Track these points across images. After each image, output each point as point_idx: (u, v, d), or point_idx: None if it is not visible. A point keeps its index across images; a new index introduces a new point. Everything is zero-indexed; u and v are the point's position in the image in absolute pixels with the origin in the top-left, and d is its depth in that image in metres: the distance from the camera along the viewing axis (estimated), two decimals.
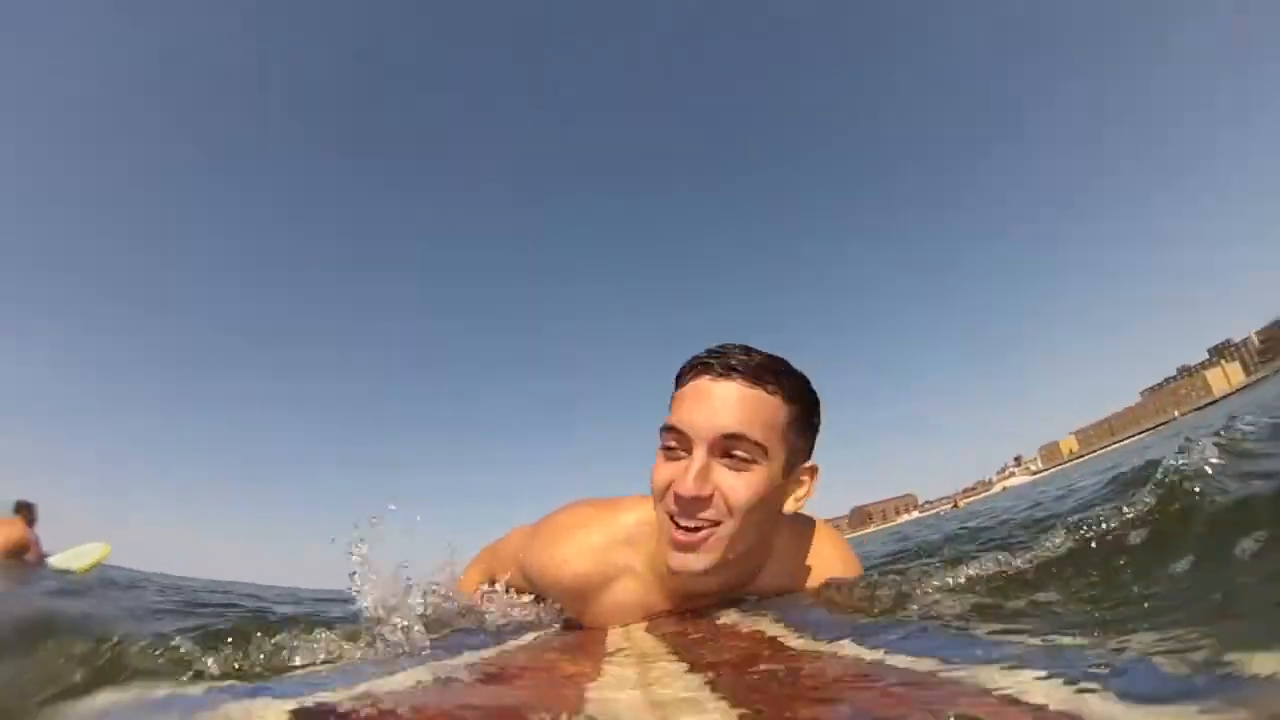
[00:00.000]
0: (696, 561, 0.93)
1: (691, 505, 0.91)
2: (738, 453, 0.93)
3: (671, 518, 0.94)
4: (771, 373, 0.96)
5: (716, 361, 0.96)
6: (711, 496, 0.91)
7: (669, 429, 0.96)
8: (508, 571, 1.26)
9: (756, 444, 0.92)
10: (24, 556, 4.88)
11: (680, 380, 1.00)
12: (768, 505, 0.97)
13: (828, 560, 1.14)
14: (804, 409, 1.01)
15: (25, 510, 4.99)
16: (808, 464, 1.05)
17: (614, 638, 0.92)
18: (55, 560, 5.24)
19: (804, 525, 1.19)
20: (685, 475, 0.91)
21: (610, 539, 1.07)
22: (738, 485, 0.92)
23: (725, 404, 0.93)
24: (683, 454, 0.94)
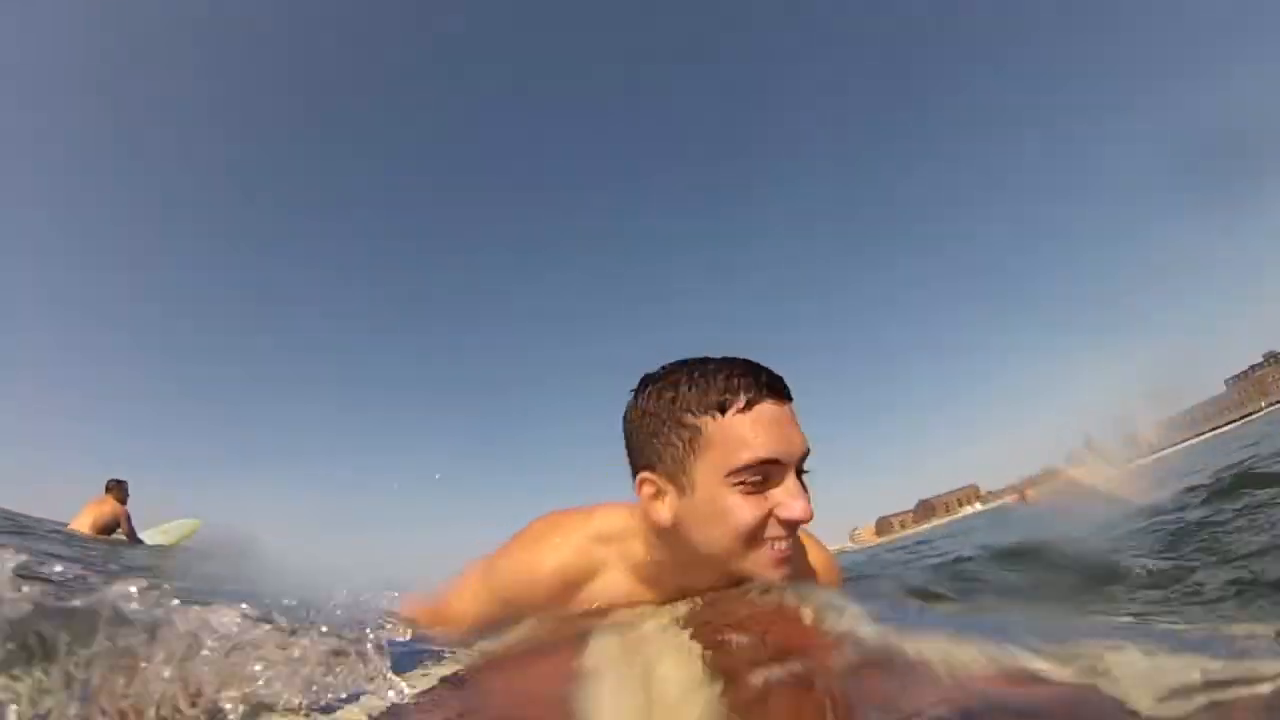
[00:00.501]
0: (780, 572, 0.94)
1: (791, 529, 0.93)
2: (806, 470, 0.96)
3: (766, 541, 0.93)
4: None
5: (771, 382, 0.96)
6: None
7: (764, 462, 0.91)
8: (475, 605, 1.09)
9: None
10: (116, 533, 5.29)
11: (726, 406, 0.93)
12: None
13: (812, 558, 1.13)
14: None
15: (116, 488, 5.38)
16: None
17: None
18: (147, 536, 5.66)
19: None
20: (796, 500, 0.92)
21: (586, 537, 1.06)
22: (809, 502, 0.94)
23: (795, 426, 0.95)
24: (759, 481, 0.91)
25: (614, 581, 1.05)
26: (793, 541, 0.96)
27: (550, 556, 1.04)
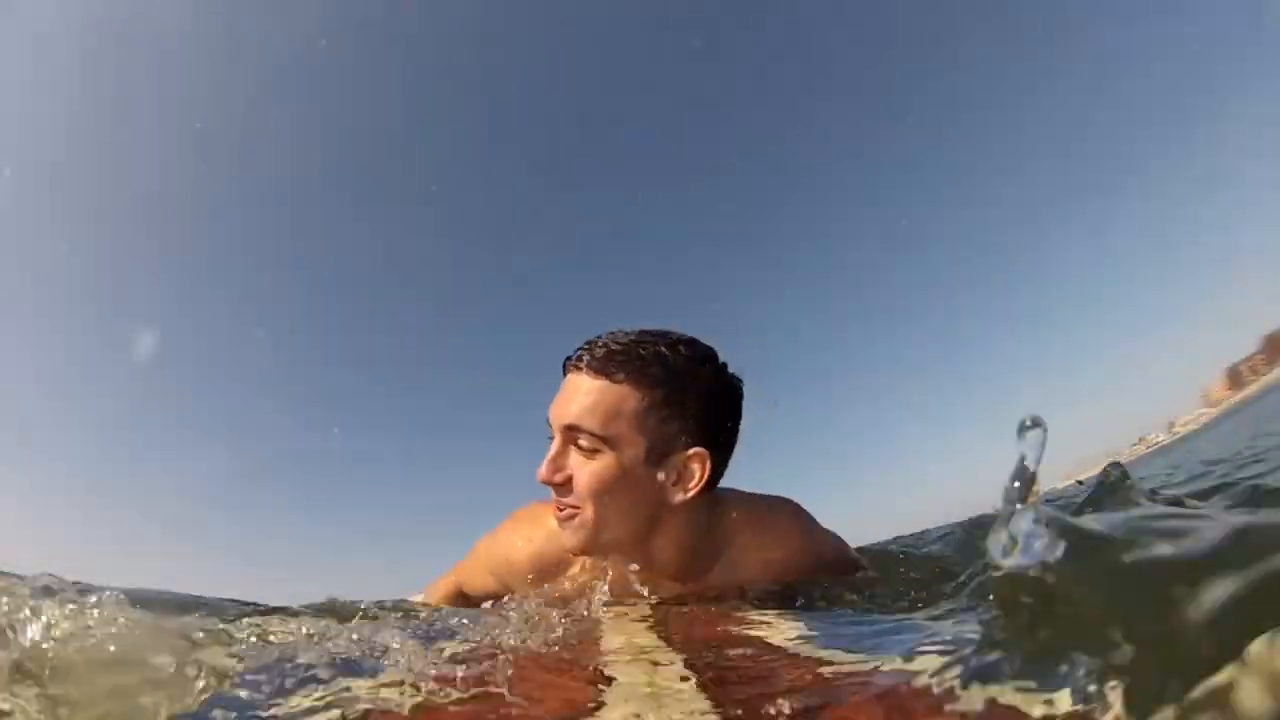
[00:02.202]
0: (568, 538, 1.03)
1: (555, 491, 1.03)
2: (581, 443, 1.00)
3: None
4: (622, 361, 1.00)
5: (576, 353, 1.04)
6: (568, 482, 1.01)
7: (547, 421, 1.05)
8: (477, 577, 1.29)
9: (596, 435, 0.99)
10: None
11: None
12: (632, 494, 1.01)
13: (794, 550, 1.15)
14: (670, 394, 1.01)
15: None
16: (691, 450, 1.02)
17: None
18: None
19: (769, 516, 1.19)
20: (543, 465, 1.02)
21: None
22: (581, 473, 1.00)
23: (571, 396, 1.01)
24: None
25: (585, 571, 1.14)
26: (747, 539, 1.11)
27: (525, 546, 1.17)
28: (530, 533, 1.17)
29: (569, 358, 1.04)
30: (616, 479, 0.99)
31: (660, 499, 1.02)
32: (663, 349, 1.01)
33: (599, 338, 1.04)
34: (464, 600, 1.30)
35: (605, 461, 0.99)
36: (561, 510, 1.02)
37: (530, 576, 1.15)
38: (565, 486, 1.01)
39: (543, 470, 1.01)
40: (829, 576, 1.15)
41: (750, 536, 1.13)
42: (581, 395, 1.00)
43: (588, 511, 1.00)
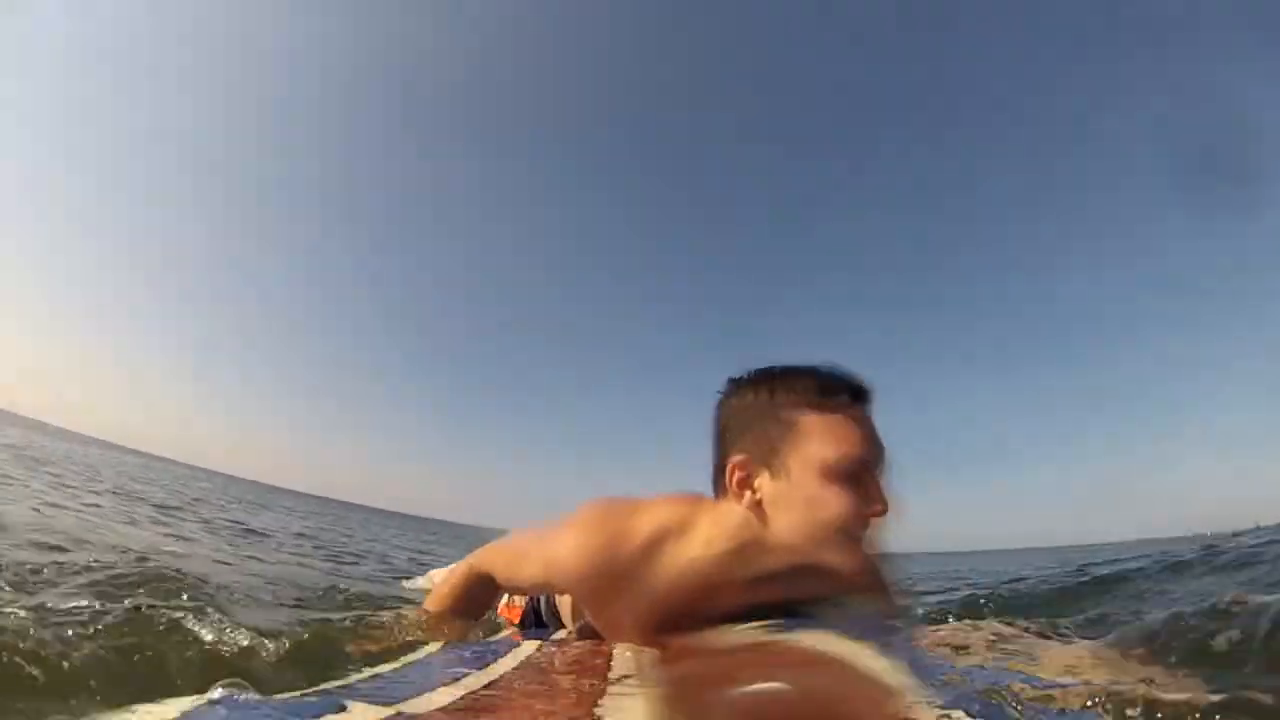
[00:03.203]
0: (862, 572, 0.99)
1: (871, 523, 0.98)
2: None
3: (854, 539, 0.97)
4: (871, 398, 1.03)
5: (854, 387, 1.01)
6: None
7: (858, 461, 0.96)
8: (516, 567, 1.23)
9: None
10: None
11: (824, 405, 0.99)
12: None
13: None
14: None
15: None
16: None
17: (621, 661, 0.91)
18: None
19: None
20: (880, 501, 0.95)
21: (623, 540, 1.06)
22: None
23: (873, 430, 1.00)
24: (851, 480, 0.95)
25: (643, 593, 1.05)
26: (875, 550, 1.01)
27: (578, 558, 1.06)
28: (590, 543, 1.06)
29: (859, 393, 1.01)
30: None
31: None
32: None
33: (846, 372, 1.02)
34: (491, 584, 1.28)
35: None
36: (868, 549, 0.99)
37: (580, 589, 1.12)
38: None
39: (886, 505, 0.96)
40: None
41: None
42: (877, 429, 1.00)
43: None
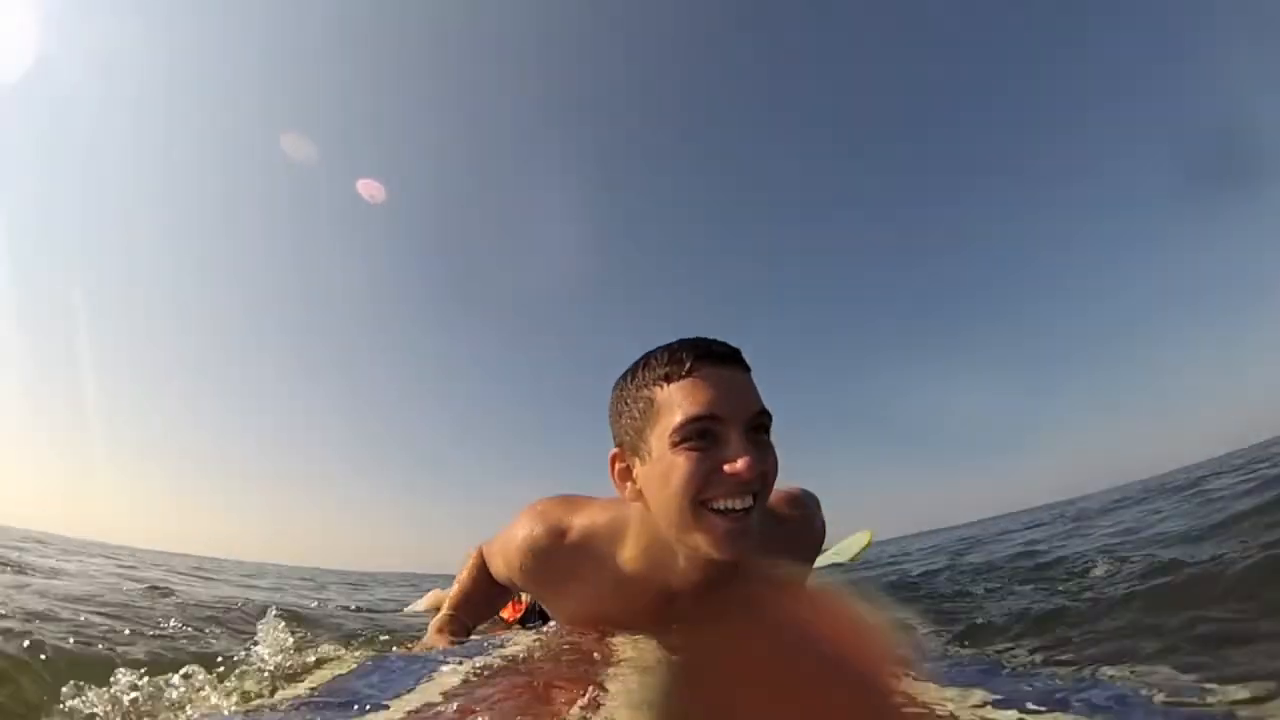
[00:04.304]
0: (738, 548, 0.89)
1: (750, 485, 0.88)
2: (767, 435, 0.94)
3: (710, 508, 0.89)
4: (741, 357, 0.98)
5: (717, 349, 0.95)
6: (765, 479, 0.91)
7: (702, 419, 0.89)
8: (494, 561, 1.27)
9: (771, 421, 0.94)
10: None
11: (672, 375, 0.94)
12: None
13: (807, 546, 1.19)
14: None
15: None
16: None
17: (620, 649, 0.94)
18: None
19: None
20: (740, 456, 0.87)
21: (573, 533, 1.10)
22: (770, 468, 0.91)
23: (743, 387, 0.93)
24: (707, 445, 0.90)
25: (592, 587, 1.10)
26: (756, 520, 0.92)
27: (526, 544, 1.13)
28: (534, 538, 1.11)
29: (711, 353, 0.94)
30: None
31: None
32: None
33: (704, 339, 0.98)
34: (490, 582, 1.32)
35: (775, 454, 0.94)
36: (744, 513, 0.89)
37: (530, 583, 1.16)
38: (765, 486, 0.91)
39: (752, 463, 0.87)
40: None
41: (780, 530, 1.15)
42: (751, 386, 0.95)
43: (758, 507, 0.91)
